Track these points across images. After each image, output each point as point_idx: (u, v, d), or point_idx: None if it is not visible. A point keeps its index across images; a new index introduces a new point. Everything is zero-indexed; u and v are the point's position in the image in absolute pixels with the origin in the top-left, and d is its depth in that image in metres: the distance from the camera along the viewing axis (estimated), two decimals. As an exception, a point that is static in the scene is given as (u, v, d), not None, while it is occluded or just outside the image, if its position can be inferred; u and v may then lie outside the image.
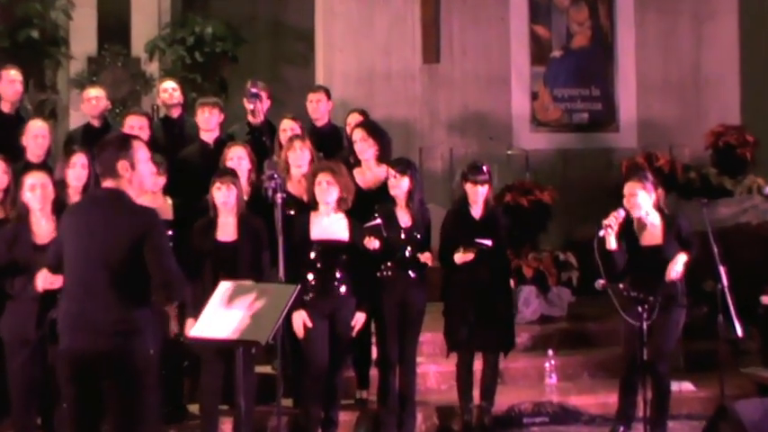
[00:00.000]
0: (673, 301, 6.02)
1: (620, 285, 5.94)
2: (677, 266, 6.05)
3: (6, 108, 7.24)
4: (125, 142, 4.38)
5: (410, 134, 9.84)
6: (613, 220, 5.99)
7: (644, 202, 6.09)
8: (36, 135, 6.72)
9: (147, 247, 4.18)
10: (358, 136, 6.64)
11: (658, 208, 6.20)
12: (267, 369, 6.50)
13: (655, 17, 10.66)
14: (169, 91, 7.87)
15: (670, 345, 6.15)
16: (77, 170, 6.02)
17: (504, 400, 6.80)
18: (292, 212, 6.19)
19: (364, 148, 6.60)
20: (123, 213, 4.26)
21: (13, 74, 7.28)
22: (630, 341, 6.03)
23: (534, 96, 10.55)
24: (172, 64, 11.63)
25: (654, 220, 6.17)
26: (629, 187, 6.11)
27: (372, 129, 6.69)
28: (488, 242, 6.20)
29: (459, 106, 10.38)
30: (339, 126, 7.71)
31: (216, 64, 11.73)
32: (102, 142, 4.46)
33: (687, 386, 7.13)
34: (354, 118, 7.21)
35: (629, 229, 6.13)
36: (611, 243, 5.99)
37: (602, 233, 5.96)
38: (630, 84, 10.62)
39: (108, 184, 4.30)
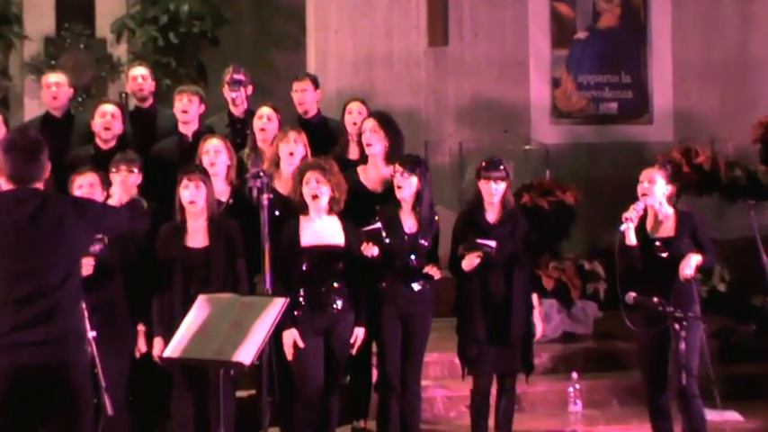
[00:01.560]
0: (687, 307, 6.05)
1: (655, 299, 5.96)
2: (690, 263, 6.11)
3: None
4: None
5: (414, 126, 9.82)
6: (634, 213, 6.16)
7: (660, 191, 6.27)
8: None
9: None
10: (368, 126, 6.63)
11: (671, 203, 6.39)
12: (248, 393, 6.49)
13: (695, -6, 10.70)
14: (139, 79, 7.86)
15: (695, 360, 6.15)
16: None
17: (523, 429, 6.78)
18: (277, 213, 6.16)
19: (374, 141, 6.58)
20: None
21: None
22: (649, 359, 6.14)
23: (555, 84, 10.56)
24: (142, 46, 11.66)
25: (667, 211, 6.31)
26: (647, 174, 6.29)
27: (385, 121, 6.67)
28: (492, 243, 6.17)
29: (470, 95, 10.38)
30: (330, 118, 7.69)
31: (193, 46, 11.75)
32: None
33: (733, 415, 7.10)
34: (358, 107, 7.19)
35: (641, 224, 6.27)
36: (631, 238, 6.14)
37: (623, 227, 6.11)
38: (666, 69, 10.63)
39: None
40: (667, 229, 6.28)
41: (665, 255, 6.19)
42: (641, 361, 6.40)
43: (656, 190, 6.24)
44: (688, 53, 10.64)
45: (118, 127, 7.02)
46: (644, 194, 6.23)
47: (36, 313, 4.22)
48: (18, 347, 4.19)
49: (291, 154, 6.51)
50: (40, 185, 4.41)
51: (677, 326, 5.76)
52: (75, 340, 4.33)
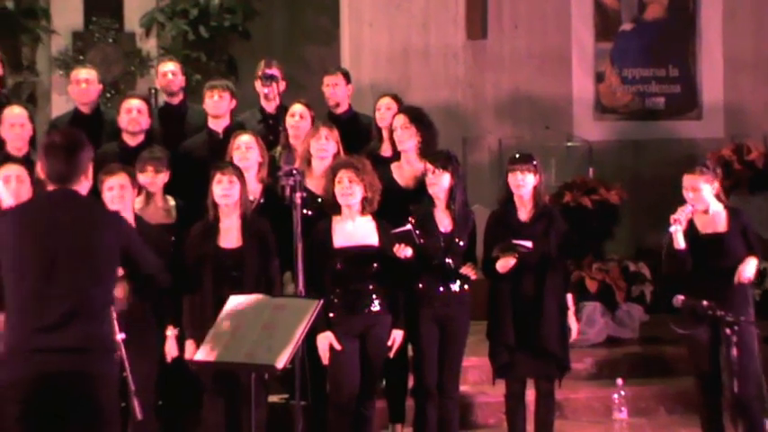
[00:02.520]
0: (741, 310, 6.00)
1: (704, 303, 5.90)
2: (750, 267, 6.09)
3: (-16, 93, 7.31)
4: None
5: (452, 122, 9.81)
6: (683, 214, 6.15)
7: (707, 194, 6.25)
8: (13, 124, 6.76)
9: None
10: (399, 122, 6.61)
11: (720, 199, 6.37)
12: (281, 398, 6.50)
13: (746, -19, 10.62)
14: (169, 75, 7.89)
15: (751, 365, 6.09)
16: None
17: (565, 437, 6.79)
18: (309, 213, 6.16)
19: (405, 137, 6.57)
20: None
21: None
22: (702, 363, 6.12)
23: (599, 78, 10.51)
24: (172, 40, 11.71)
25: (717, 208, 6.30)
26: (689, 180, 6.26)
27: (416, 116, 6.65)
28: (528, 244, 6.14)
29: (510, 90, 10.35)
30: (362, 114, 7.69)
31: (223, 40, 11.79)
32: None
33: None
34: (387, 103, 7.18)
35: (690, 224, 6.26)
36: (680, 241, 6.11)
37: (672, 229, 6.10)
38: (716, 62, 10.54)
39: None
40: (718, 225, 6.26)
41: (715, 253, 6.15)
42: (694, 365, 6.34)
43: (703, 195, 6.23)
44: (739, 45, 10.55)
45: (144, 122, 7.05)
46: (694, 203, 6.22)
47: (61, 319, 4.17)
48: (41, 353, 4.15)
49: (323, 150, 6.51)
50: (80, 187, 4.37)
51: (728, 331, 5.69)
52: (102, 349, 4.27)
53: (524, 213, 6.36)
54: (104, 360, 4.27)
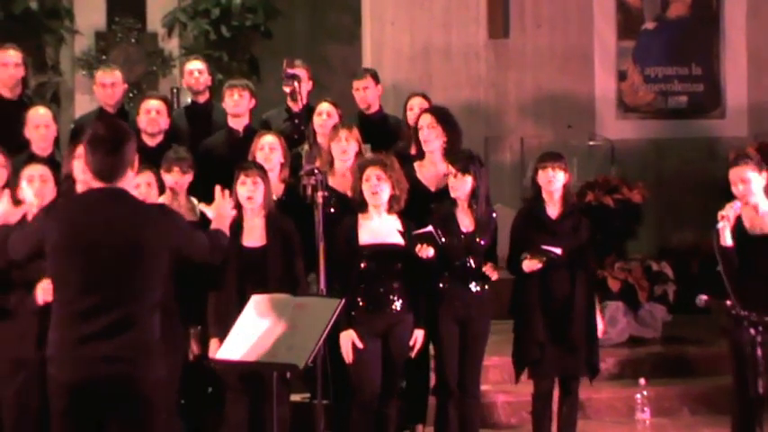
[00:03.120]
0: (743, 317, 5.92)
1: (728, 302, 5.85)
2: None
3: (6, 93, 7.32)
4: None
5: (473, 122, 9.79)
6: (731, 211, 5.97)
7: (757, 186, 6.06)
8: (38, 125, 6.78)
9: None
10: (425, 122, 6.61)
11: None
12: (303, 397, 6.51)
13: (771, -21, 10.56)
14: (195, 73, 7.91)
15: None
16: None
17: (587, 437, 6.76)
18: (332, 210, 6.17)
19: (431, 137, 6.56)
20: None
21: (11, 55, 7.35)
22: (741, 371, 5.97)
23: (621, 76, 10.48)
24: (194, 40, 11.75)
25: (766, 208, 6.09)
26: (737, 173, 6.06)
27: (443, 116, 6.64)
28: (558, 250, 6.12)
29: (532, 89, 10.33)
30: (390, 115, 7.70)
31: (245, 40, 11.82)
32: None
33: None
34: (418, 102, 7.18)
35: (737, 222, 6.09)
36: (727, 238, 5.96)
37: (719, 226, 5.94)
38: (740, 60, 10.49)
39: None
40: (767, 227, 6.06)
41: (765, 253, 5.99)
42: (731, 366, 6.23)
43: (754, 188, 6.01)
44: (763, 43, 10.49)
45: (164, 122, 7.08)
46: (744, 196, 6.01)
47: (106, 325, 4.08)
48: (85, 361, 4.08)
49: (345, 152, 6.51)
50: (126, 181, 4.25)
51: (753, 331, 5.64)
52: (149, 355, 4.17)
53: (554, 211, 6.35)
54: (151, 365, 4.18)
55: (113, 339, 4.08)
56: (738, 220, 6.08)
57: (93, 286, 4.12)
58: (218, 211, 4.90)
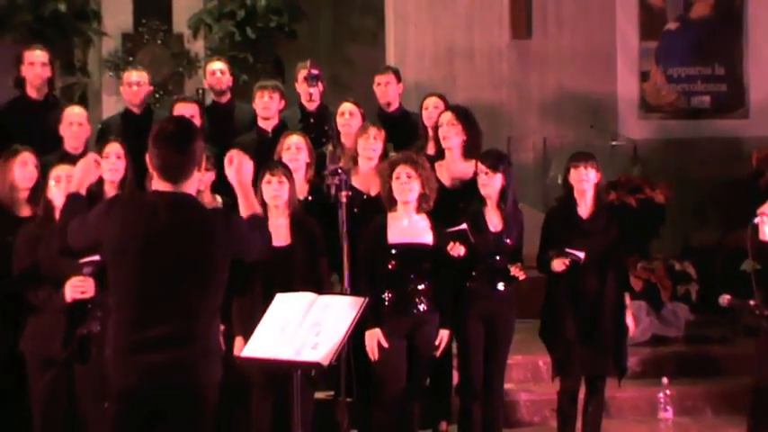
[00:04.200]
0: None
1: (751, 302, 5.81)
2: None
3: (33, 94, 7.35)
4: None
5: (496, 122, 9.80)
6: None
7: None
8: (72, 122, 6.82)
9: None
10: (445, 119, 6.60)
11: None
12: (327, 395, 6.50)
13: (795, -18, 10.49)
14: (217, 74, 7.94)
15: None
16: (112, 161, 6.11)
17: (610, 436, 6.73)
18: (355, 210, 6.15)
19: (451, 134, 6.55)
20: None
21: (38, 54, 7.39)
22: (763, 371, 5.92)
23: (644, 77, 10.45)
24: (219, 41, 11.79)
25: None
26: None
27: (463, 115, 6.64)
28: (581, 254, 6.09)
29: (554, 89, 10.31)
30: (412, 112, 7.69)
31: (270, 41, 11.84)
32: None
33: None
34: (434, 102, 7.17)
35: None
36: (765, 233, 5.82)
37: (756, 220, 5.83)
38: (763, 60, 10.45)
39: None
40: None
41: None
42: (755, 370, 6.16)
43: None
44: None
45: (197, 124, 7.08)
46: None
47: (164, 334, 3.93)
48: (141, 368, 3.93)
49: (371, 150, 6.50)
50: (191, 182, 4.09)
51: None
52: (209, 361, 4.04)
53: (585, 210, 6.31)
54: (210, 370, 4.06)
55: (172, 349, 3.94)
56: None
57: (154, 294, 3.97)
58: (242, 198, 4.44)
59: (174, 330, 3.95)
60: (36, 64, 7.34)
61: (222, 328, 5.91)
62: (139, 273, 3.97)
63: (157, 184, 4.09)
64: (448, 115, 6.62)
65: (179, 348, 3.95)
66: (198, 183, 6.08)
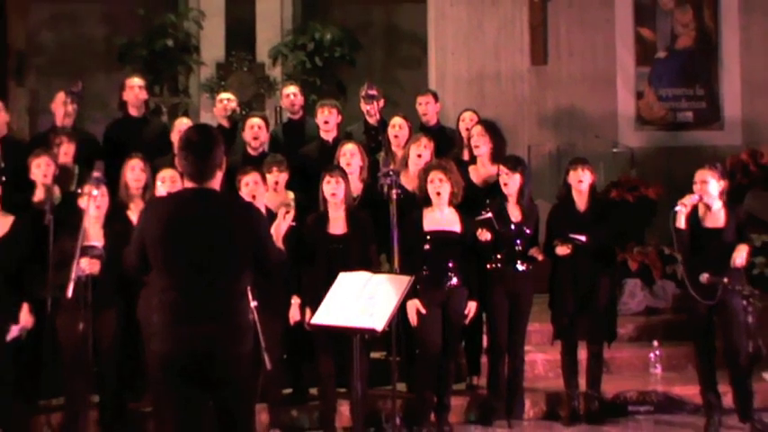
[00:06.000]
0: (736, 291, 5.80)
1: (725, 279, 5.78)
2: (742, 254, 5.88)
3: (134, 112, 7.48)
4: None
5: (519, 133, 9.75)
6: (688, 200, 5.94)
7: (713, 188, 5.98)
8: (180, 131, 6.95)
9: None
10: (476, 131, 6.64)
11: (723, 196, 6.07)
12: (380, 354, 6.53)
13: (760, 19, 10.31)
14: (291, 96, 7.99)
15: (740, 335, 5.88)
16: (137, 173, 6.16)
17: (610, 388, 6.69)
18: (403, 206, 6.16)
19: (480, 143, 6.58)
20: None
21: (136, 81, 7.50)
22: (704, 330, 6.01)
23: (639, 96, 10.34)
24: (293, 68, 11.82)
25: (718, 205, 6.04)
26: (700, 174, 6.03)
27: (491, 127, 6.68)
28: (582, 238, 6.09)
29: (566, 106, 10.24)
30: (447, 127, 7.69)
31: (334, 68, 11.86)
32: None
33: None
34: (469, 115, 7.20)
35: (694, 214, 6.04)
36: (681, 222, 5.91)
37: (677, 209, 5.90)
38: (735, 83, 10.29)
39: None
40: (717, 221, 6.01)
41: (714, 244, 5.93)
42: (695, 331, 6.13)
43: (710, 188, 5.96)
44: (755, 69, 10.27)
45: (264, 135, 7.16)
46: (701, 194, 5.97)
47: (203, 312, 3.73)
48: (184, 337, 3.72)
49: (420, 156, 6.53)
50: (214, 184, 3.87)
51: (745, 302, 5.59)
52: (237, 334, 3.80)
53: (582, 206, 6.31)
54: (241, 342, 3.82)
55: (209, 325, 3.73)
56: (695, 211, 6.01)
57: (190, 274, 3.75)
58: (276, 229, 4.36)
59: (211, 312, 3.75)
60: (135, 87, 7.44)
61: (298, 300, 6.01)
62: (177, 256, 3.76)
63: (187, 184, 3.93)
64: (478, 128, 6.64)
65: (212, 324, 3.73)
66: (272, 182, 6.17)
